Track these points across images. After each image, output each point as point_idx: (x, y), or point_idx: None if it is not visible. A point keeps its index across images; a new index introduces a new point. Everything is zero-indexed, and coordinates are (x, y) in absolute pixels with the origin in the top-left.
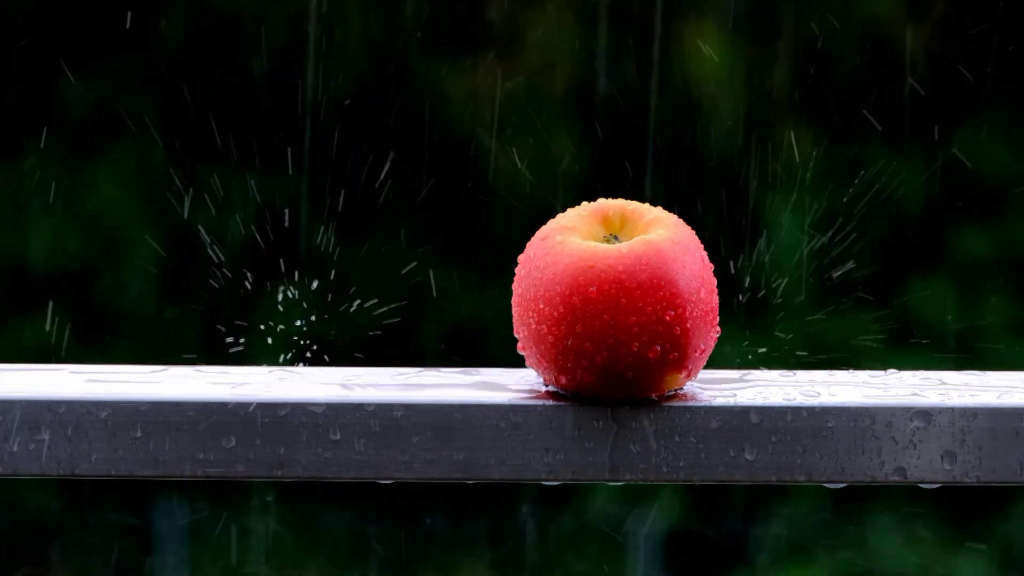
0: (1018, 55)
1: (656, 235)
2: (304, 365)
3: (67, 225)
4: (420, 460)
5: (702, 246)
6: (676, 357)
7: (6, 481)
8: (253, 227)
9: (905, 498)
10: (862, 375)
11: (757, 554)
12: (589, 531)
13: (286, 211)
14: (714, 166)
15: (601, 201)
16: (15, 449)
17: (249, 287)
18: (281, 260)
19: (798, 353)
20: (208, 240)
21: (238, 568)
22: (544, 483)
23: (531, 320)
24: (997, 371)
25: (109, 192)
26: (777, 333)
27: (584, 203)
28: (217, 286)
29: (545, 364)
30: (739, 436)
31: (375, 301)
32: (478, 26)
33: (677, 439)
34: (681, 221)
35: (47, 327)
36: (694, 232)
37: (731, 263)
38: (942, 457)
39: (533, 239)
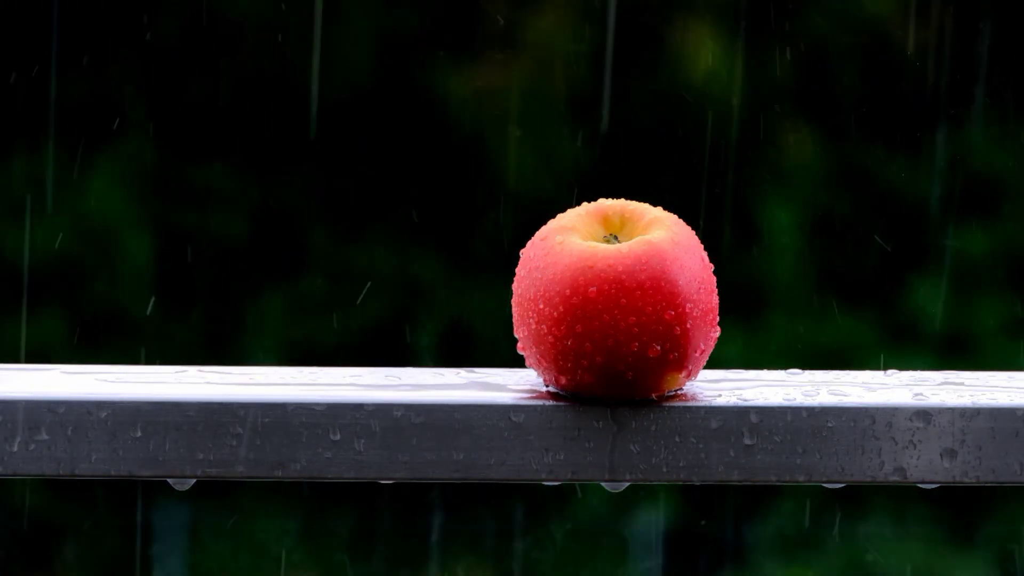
0: (1017, 55)
1: (656, 235)
2: (304, 365)
3: (66, 225)
4: (420, 460)
5: (702, 246)
6: (676, 357)
7: (6, 481)
8: (251, 226)
9: (904, 498)
10: (862, 375)
11: (755, 553)
12: (588, 530)
13: (285, 210)
14: (714, 165)
15: (601, 201)
16: (15, 449)
17: (248, 286)
18: (280, 259)
19: (797, 353)
20: (206, 239)
21: (238, 568)
22: (544, 483)
23: (531, 320)
24: (997, 371)
25: (107, 192)
26: (777, 333)
27: (584, 203)
28: (216, 285)
29: (545, 364)
30: (739, 436)
31: (374, 300)
32: (479, 26)
33: (677, 439)
34: (681, 221)
35: (47, 327)
36: (694, 232)
37: (731, 263)
38: (942, 457)
39: (533, 239)
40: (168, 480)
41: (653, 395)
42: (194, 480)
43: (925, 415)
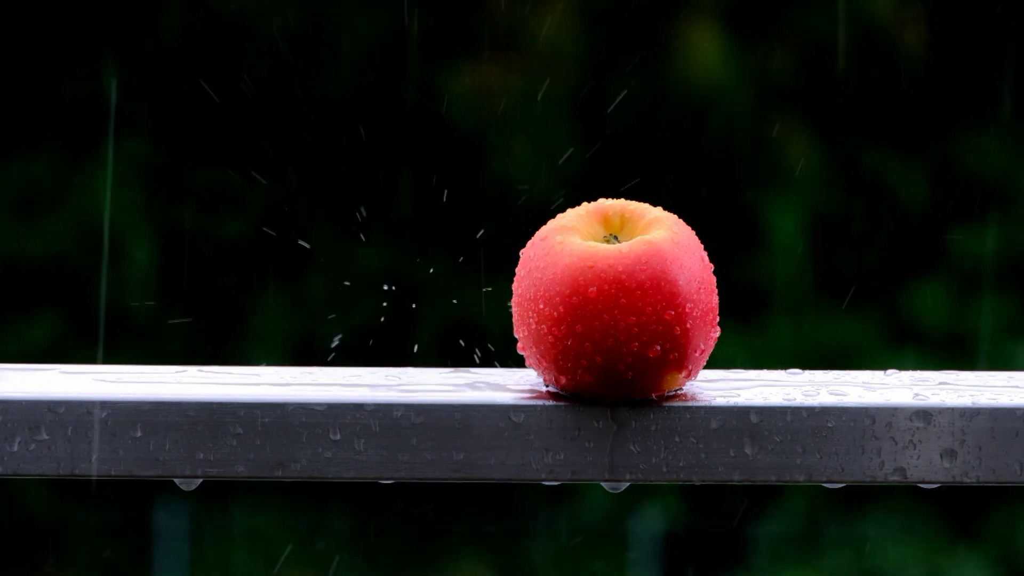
0: (1018, 56)
1: (656, 235)
2: (304, 365)
3: (67, 226)
4: (420, 460)
5: (702, 246)
6: (676, 357)
7: (6, 481)
8: (252, 227)
9: (904, 498)
10: (862, 375)
11: (756, 553)
12: (588, 530)
13: (285, 210)
14: (714, 166)
15: (601, 201)
16: (15, 449)
17: (249, 286)
18: (281, 259)
19: (797, 353)
20: (207, 240)
21: (237, 567)
22: (544, 483)
23: (531, 320)
24: (997, 371)
25: (109, 193)
26: (777, 333)
27: (584, 203)
28: (216, 285)
29: (545, 364)
30: (739, 436)
31: (375, 300)
32: (480, 26)
33: (677, 439)
34: (681, 221)
35: (47, 327)
36: (694, 232)
37: (732, 263)
38: (942, 457)
39: (533, 239)
40: (174, 480)
41: (653, 395)
42: (200, 480)
43: (925, 415)
